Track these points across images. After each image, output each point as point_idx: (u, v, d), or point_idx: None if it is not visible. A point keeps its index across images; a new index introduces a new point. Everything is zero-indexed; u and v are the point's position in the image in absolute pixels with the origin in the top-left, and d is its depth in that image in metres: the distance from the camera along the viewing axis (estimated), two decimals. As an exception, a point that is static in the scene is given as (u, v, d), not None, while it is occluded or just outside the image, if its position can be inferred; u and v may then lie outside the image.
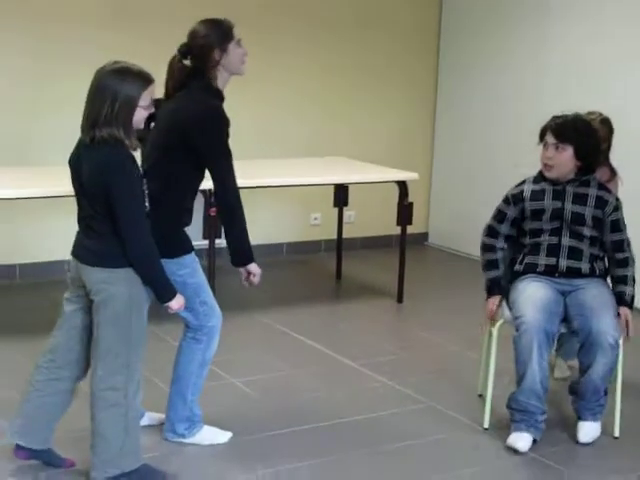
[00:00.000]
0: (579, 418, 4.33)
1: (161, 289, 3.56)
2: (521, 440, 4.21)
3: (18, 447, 3.81)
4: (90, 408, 3.62)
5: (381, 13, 7.92)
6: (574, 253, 4.37)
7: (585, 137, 4.33)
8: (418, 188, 7.48)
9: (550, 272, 4.38)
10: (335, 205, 7.06)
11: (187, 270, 3.92)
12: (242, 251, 3.96)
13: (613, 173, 4.92)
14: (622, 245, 4.40)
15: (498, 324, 4.44)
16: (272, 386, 4.91)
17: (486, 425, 4.42)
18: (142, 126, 3.52)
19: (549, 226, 4.38)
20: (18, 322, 5.82)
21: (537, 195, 4.41)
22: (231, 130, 3.87)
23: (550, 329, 4.20)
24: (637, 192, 5.74)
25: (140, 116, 3.44)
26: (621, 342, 4.32)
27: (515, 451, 4.19)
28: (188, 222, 3.99)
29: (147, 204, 3.52)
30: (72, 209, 3.62)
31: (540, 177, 4.44)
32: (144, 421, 4.20)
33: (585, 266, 4.37)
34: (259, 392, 4.81)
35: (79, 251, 3.59)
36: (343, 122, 7.91)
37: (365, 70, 7.94)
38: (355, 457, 4.12)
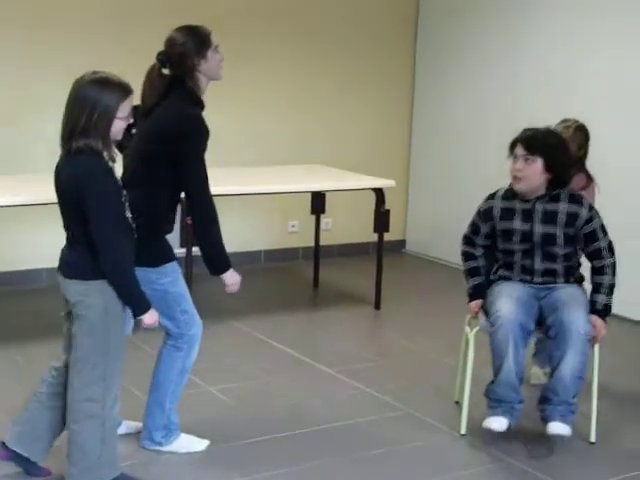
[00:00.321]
0: (547, 421, 4.28)
1: (134, 302, 3.52)
2: (496, 422, 4.26)
3: (2, 446, 3.79)
4: (67, 418, 3.61)
5: (357, 19, 7.95)
6: (548, 272, 4.39)
7: (555, 149, 4.30)
8: (395, 195, 7.50)
9: (525, 282, 4.42)
10: (312, 212, 7.07)
11: (168, 279, 3.91)
12: (219, 260, 3.96)
13: (589, 179, 4.94)
14: (599, 254, 4.36)
15: (474, 331, 4.46)
16: (249, 394, 4.90)
17: (463, 431, 4.43)
18: (120, 137, 3.50)
19: (520, 247, 4.38)
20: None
21: (506, 214, 4.39)
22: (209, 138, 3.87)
23: (526, 323, 4.24)
24: (613, 196, 5.77)
25: (118, 127, 3.41)
26: (596, 348, 4.36)
27: (491, 431, 4.26)
28: (169, 230, 3.99)
29: (129, 214, 3.51)
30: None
31: (511, 192, 4.40)
32: (121, 430, 4.18)
33: (560, 279, 4.40)
34: (236, 400, 4.80)
35: (61, 264, 3.58)
36: (319, 129, 7.92)
37: (340, 77, 7.95)
38: (332, 464, 4.12)
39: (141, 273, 3.82)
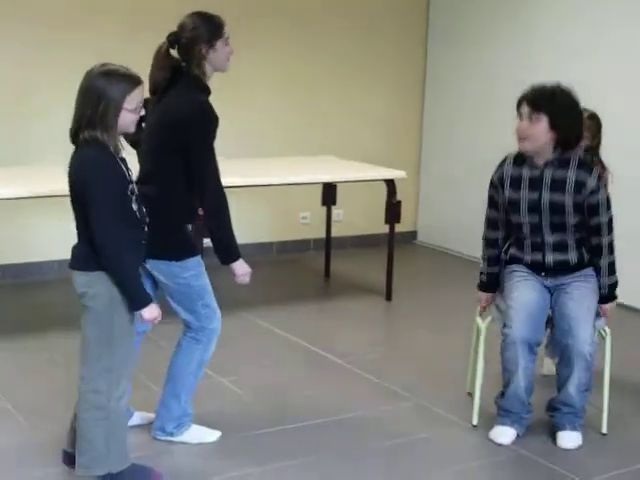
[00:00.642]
0: (558, 429, 4.28)
1: (132, 296, 3.47)
2: (503, 435, 4.26)
3: (65, 453, 3.83)
4: (78, 409, 3.63)
5: (369, 11, 7.93)
6: (560, 246, 4.22)
7: (562, 107, 4.07)
8: (407, 186, 7.49)
9: (537, 267, 4.30)
10: (323, 204, 7.07)
11: (192, 272, 3.92)
12: (229, 249, 3.95)
13: (603, 168, 4.90)
14: (598, 230, 4.17)
15: (486, 321, 4.45)
16: (260, 385, 4.91)
17: (475, 422, 4.43)
18: (132, 130, 3.47)
19: (528, 220, 4.20)
20: (2, 323, 5.80)
21: (515, 183, 4.21)
22: (219, 129, 3.86)
23: (534, 339, 4.19)
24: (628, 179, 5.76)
25: (127, 119, 3.39)
26: (608, 340, 4.35)
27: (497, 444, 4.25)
28: (192, 220, 3.97)
29: (135, 207, 3.49)
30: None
31: (521, 157, 4.22)
32: (134, 420, 4.20)
33: (572, 256, 4.24)
34: (248, 391, 4.81)
35: (70, 257, 3.58)
36: (330, 120, 7.91)
37: (352, 67, 7.94)
38: (343, 455, 4.12)
39: (165, 266, 3.85)
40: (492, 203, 4.39)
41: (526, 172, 4.20)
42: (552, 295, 4.31)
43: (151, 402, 4.21)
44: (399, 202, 6.37)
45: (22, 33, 6.59)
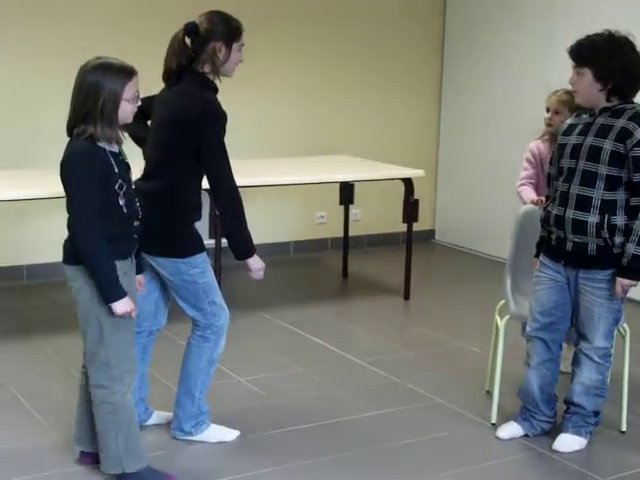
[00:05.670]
0: (561, 431, 4.24)
1: (105, 289, 3.43)
2: (504, 429, 4.31)
3: (82, 453, 3.85)
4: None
5: (387, 15, 7.92)
6: (582, 203, 3.94)
7: (605, 57, 3.85)
8: (424, 185, 7.48)
9: (557, 250, 4.08)
10: (341, 203, 7.07)
11: (197, 270, 3.92)
12: (243, 245, 3.94)
13: None
14: (639, 189, 3.87)
15: (505, 319, 4.44)
16: (279, 384, 4.91)
17: (494, 420, 4.42)
18: (130, 120, 3.49)
19: (567, 164, 3.99)
20: (24, 323, 5.83)
21: (569, 129, 4.06)
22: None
23: (550, 337, 4.18)
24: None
25: (126, 110, 3.40)
26: (628, 338, 4.33)
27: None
28: (197, 217, 3.98)
29: (122, 202, 3.44)
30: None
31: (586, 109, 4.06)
32: (152, 420, 4.23)
33: (593, 218, 3.90)
34: (266, 390, 4.81)
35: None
36: (347, 119, 7.90)
37: (369, 67, 7.93)
38: (362, 454, 4.12)
39: (171, 264, 3.85)
40: (551, 159, 4.26)
41: (583, 120, 4.05)
42: (571, 287, 4.12)
43: (169, 401, 4.21)
44: (417, 201, 6.36)
45: (35, 28, 6.59)
